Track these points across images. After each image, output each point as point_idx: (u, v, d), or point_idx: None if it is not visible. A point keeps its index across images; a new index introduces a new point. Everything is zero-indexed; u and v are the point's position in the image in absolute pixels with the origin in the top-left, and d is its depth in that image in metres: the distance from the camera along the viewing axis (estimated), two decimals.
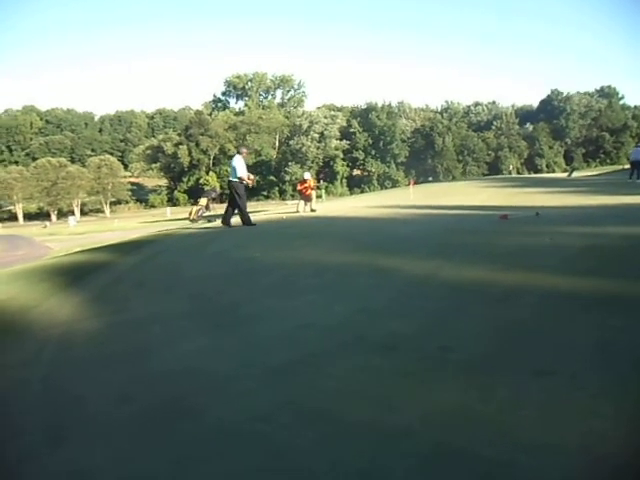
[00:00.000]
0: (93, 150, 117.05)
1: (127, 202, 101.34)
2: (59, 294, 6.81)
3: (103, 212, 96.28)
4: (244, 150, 12.68)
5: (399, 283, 5.57)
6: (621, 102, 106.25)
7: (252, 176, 12.41)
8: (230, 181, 12.08)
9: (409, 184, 25.43)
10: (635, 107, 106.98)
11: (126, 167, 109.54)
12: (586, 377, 3.02)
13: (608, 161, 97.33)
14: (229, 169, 12.32)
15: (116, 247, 11.99)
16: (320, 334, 4.24)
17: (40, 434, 3.14)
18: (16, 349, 4.79)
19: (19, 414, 3.45)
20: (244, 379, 3.52)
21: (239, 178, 11.75)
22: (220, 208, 40.64)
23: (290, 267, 6.97)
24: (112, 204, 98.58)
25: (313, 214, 15.70)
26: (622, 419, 2.56)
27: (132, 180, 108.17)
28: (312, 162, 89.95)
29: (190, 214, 21.45)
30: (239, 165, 11.77)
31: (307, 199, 17.66)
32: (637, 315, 3.95)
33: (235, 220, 12.52)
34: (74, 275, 8.10)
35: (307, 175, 18.78)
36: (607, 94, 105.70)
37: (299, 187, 18.29)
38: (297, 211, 17.49)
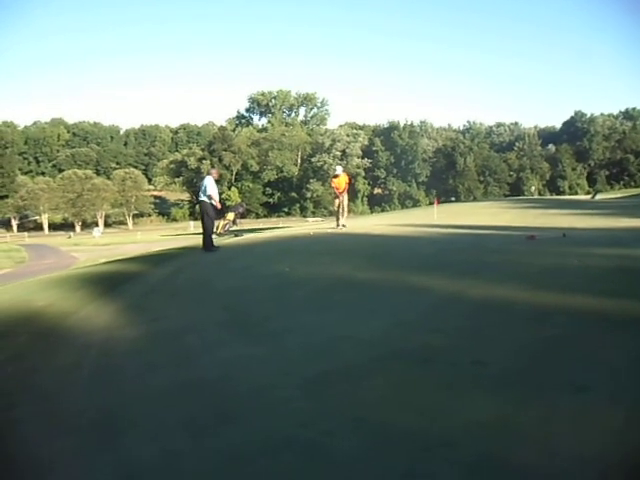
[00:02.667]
0: (118, 163, 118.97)
1: (150, 215, 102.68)
2: (95, 302, 7.02)
3: (126, 224, 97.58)
4: (214, 171, 12.59)
5: (431, 300, 5.65)
6: None
7: (218, 200, 11.92)
8: (200, 200, 11.96)
9: (434, 203, 25.30)
10: None
11: (150, 180, 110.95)
12: (621, 393, 3.10)
13: (632, 184, 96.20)
14: (202, 188, 11.93)
15: (144, 259, 12.25)
16: (356, 346, 4.35)
17: (93, 432, 3.30)
18: (61, 353, 4.98)
19: (71, 414, 3.61)
20: (284, 388, 3.64)
21: (208, 196, 11.58)
22: (247, 223, 41.02)
23: (321, 282, 7.10)
24: (135, 216, 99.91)
25: (340, 231, 15.15)
26: None
27: (155, 193, 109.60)
28: None
29: (217, 228, 21.67)
30: (210, 184, 11.65)
31: (339, 212, 16.07)
32: None
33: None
34: (107, 284, 8.32)
35: (339, 169, 16.59)
36: (631, 116, 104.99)
37: (332, 184, 16.62)
38: (338, 226, 15.99)
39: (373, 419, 3.03)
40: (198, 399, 3.59)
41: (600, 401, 3.03)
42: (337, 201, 16.19)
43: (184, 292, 7.29)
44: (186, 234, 53.96)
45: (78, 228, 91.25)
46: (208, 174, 12.24)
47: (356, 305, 5.75)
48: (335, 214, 16.64)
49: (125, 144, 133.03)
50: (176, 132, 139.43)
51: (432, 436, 2.78)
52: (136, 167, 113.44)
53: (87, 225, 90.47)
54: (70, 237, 72.91)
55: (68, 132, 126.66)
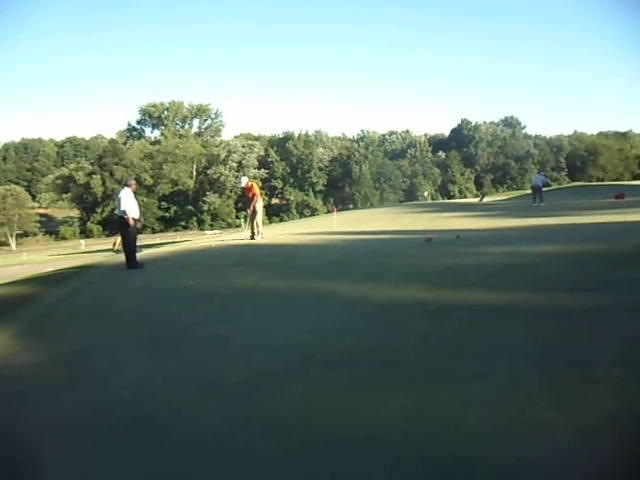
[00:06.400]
0: None
1: (35, 234, 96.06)
2: None
3: (8, 245, 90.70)
4: (132, 182, 11.12)
5: (337, 305, 5.82)
6: (523, 131, 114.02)
7: (135, 217, 10.57)
8: (118, 216, 10.63)
9: (333, 211, 25.84)
10: (536, 136, 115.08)
11: (34, 197, 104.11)
12: (521, 377, 3.39)
13: (514, 186, 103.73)
14: (116, 202, 10.58)
15: (36, 280, 11.50)
16: (269, 354, 4.40)
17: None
18: None
19: None
20: (202, 399, 3.62)
21: (123, 212, 10.30)
22: (144, 238, 39.46)
23: (228, 293, 7.05)
24: (18, 236, 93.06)
25: (245, 242, 14.10)
26: (559, 410, 2.92)
27: (40, 211, 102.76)
28: (230, 191, 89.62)
29: (114, 245, 20.78)
30: (124, 197, 10.39)
31: (253, 222, 14.70)
32: (559, 323, 4.41)
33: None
34: None
35: (245, 180, 15.22)
36: (510, 124, 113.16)
37: (248, 196, 14.90)
38: (253, 237, 14.56)
39: (294, 424, 3.09)
40: (115, 418, 3.46)
41: (505, 386, 3.30)
42: (252, 209, 14.72)
43: (85, 312, 6.92)
44: (77, 253, 51.11)
45: None
46: (125, 185, 11.04)
47: (265, 314, 5.79)
48: (250, 224, 15.23)
49: (4, 159, 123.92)
50: (61, 146, 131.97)
51: (354, 434, 2.88)
52: (17, 183, 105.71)
53: None
54: None
55: None
